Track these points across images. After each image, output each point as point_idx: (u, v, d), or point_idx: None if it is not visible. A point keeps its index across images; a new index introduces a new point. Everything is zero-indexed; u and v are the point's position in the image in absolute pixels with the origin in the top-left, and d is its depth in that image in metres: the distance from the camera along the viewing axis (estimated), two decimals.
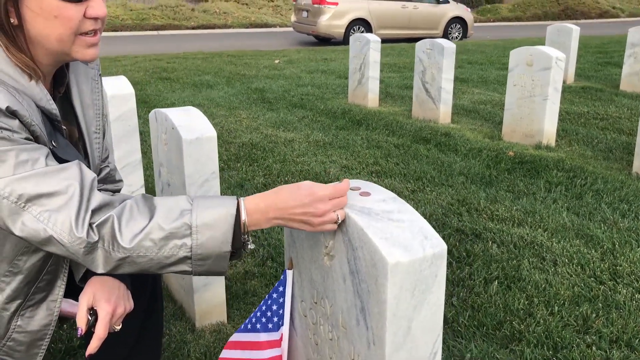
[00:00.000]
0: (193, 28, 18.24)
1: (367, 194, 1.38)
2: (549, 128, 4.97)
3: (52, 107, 1.29)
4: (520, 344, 2.30)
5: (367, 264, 1.25)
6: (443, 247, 1.25)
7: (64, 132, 1.37)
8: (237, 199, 1.26)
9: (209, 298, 2.50)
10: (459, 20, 15.65)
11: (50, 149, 1.26)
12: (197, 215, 1.22)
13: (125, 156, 3.33)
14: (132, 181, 3.37)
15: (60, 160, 1.27)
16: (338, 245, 1.35)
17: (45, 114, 1.28)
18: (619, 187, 3.95)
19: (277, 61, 10.45)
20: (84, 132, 1.47)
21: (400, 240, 1.23)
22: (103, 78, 3.37)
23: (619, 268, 2.86)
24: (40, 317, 1.41)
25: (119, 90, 3.23)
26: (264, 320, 1.58)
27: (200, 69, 9.34)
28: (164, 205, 1.24)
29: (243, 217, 1.25)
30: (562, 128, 5.55)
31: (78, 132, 1.46)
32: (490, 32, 18.54)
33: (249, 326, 1.57)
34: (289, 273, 1.57)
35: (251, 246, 1.30)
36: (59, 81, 1.41)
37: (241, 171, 4.37)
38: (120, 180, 1.75)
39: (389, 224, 1.27)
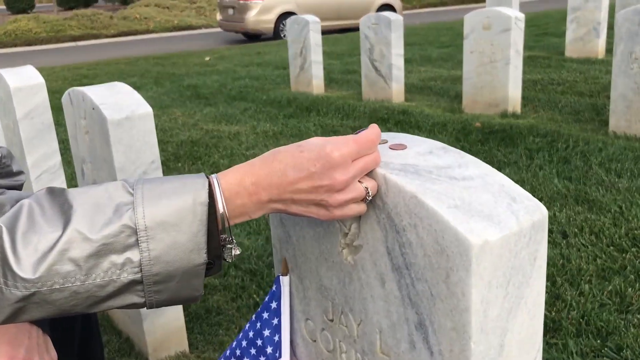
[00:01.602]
0: (113, 36, 17.31)
1: (401, 146, 0.89)
2: (513, 94, 4.63)
3: None
4: (559, 334, 1.87)
5: (428, 251, 0.76)
6: (543, 212, 0.79)
7: None
8: (207, 177, 0.76)
9: (163, 324, 1.96)
10: (387, 7, 15.39)
11: None
12: (144, 211, 0.71)
13: (41, 161, 2.73)
14: None
15: None
16: (368, 229, 0.86)
17: None
18: (602, 147, 3.63)
19: (207, 58, 9.84)
20: None
21: (478, 207, 0.76)
22: (3, 70, 2.76)
23: (637, 232, 2.49)
24: None
25: (24, 81, 2.63)
26: (253, 351, 1.07)
27: (124, 72, 8.63)
28: (87, 201, 0.72)
29: (220, 205, 0.75)
30: (522, 96, 5.24)
31: None
32: (418, 18, 18.43)
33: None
34: (284, 281, 1.07)
35: (236, 251, 0.79)
36: None
37: (183, 171, 3.81)
38: (20, 172, 1.19)
39: (452, 185, 0.79)
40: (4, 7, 21.92)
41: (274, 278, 2.37)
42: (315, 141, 0.79)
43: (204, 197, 0.72)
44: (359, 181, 0.80)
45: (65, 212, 0.71)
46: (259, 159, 0.78)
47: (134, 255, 0.70)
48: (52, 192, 0.73)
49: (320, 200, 0.78)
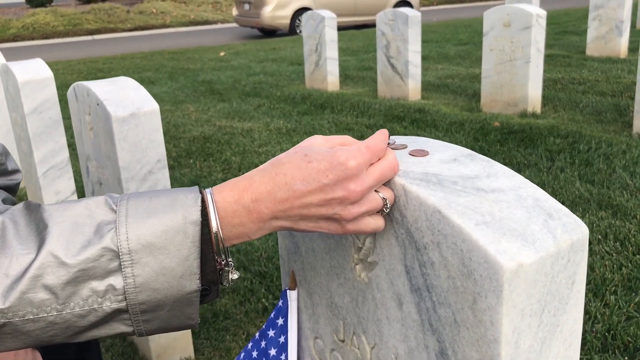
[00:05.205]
0: (130, 30, 17.32)
1: (422, 152, 0.80)
2: (533, 93, 4.51)
3: None
4: (582, 349, 1.78)
5: (453, 272, 0.68)
6: (583, 230, 0.70)
7: None
8: (201, 192, 0.67)
9: None
10: (404, 4, 15.24)
11: None
12: (128, 231, 0.63)
13: (49, 157, 2.67)
14: (60, 187, 2.71)
15: None
16: (384, 244, 0.77)
17: None
18: (626, 149, 3.51)
19: (222, 54, 9.78)
20: None
21: (510, 224, 0.67)
22: (12, 63, 2.70)
23: None
24: None
25: (32, 75, 2.57)
26: None
27: (139, 67, 8.59)
28: (64, 219, 0.64)
29: (214, 224, 0.66)
30: (542, 95, 5.11)
31: None
32: (435, 15, 18.24)
33: None
34: (292, 295, 0.99)
35: (234, 275, 0.70)
36: None
37: (195, 168, 3.74)
38: (17, 171, 1.11)
39: (480, 198, 0.70)
40: (22, 0, 22.08)
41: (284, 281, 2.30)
42: (321, 146, 0.71)
43: (195, 215, 0.64)
44: (376, 191, 0.71)
45: (40, 232, 0.63)
46: (258, 172, 0.69)
47: (116, 281, 0.62)
48: (28, 207, 0.65)
49: (332, 214, 0.69)
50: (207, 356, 1.93)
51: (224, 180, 3.46)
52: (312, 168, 0.68)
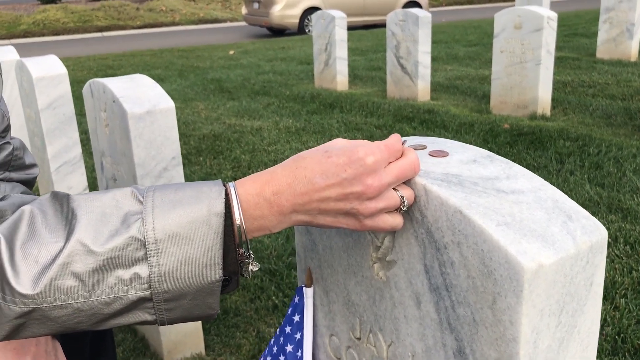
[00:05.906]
0: (139, 27, 17.37)
1: (442, 153, 0.81)
2: (543, 96, 4.51)
3: None
4: None
5: (472, 272, 0.69)
6: (602, 232, 0.70)
7: None
8: (224, 185, 0.69)
9: (179, 325, 1.90)
10: (414, 4, 15.22)
11: None
12: (155, 221, 0.64)
13: (62, 152, 2.69)
14: (72, 183, 2.73)
15: None
16: (404, 243, 0.78)
17: None
18: (636, 153, 3.50)
19: (231, 52, 9.80)
20: None
21: (530, 225, 0.68)
22: (27, 59, 2.72)
23: None
24: None
25: (47, 71, 2.59)
26: None
27: (149, 64, 8.63)
28: (93, 209, 0.66)
29: (237, 216, 0.68)
30: (552, 97, 5.10)
31: None
32: (444, 15, 18.21)
33: None
34: (308, 292, 1.00)
35: (254, 267, 0.72)
36: None
37: (205, 165, 3.76)
38: (34, 165, 1.13)
39: (501, 199, 0.71)
40: None
41: (293, 279, 2.31)
42: (343, 144, 0.72)
43: (219, 207, 0.66)
44: (394, 189, 0.73)
45: (69, 221, 0.65)
46: (280, 167, 0.71)
47: (142, 270, 0.63)
48: (56, 197, 0.67)
49: (350, 208, 0.70)
50: (218, 352, 1.94)
51: (234, 178, 3.47)
52: (332, 162, 0.69)
